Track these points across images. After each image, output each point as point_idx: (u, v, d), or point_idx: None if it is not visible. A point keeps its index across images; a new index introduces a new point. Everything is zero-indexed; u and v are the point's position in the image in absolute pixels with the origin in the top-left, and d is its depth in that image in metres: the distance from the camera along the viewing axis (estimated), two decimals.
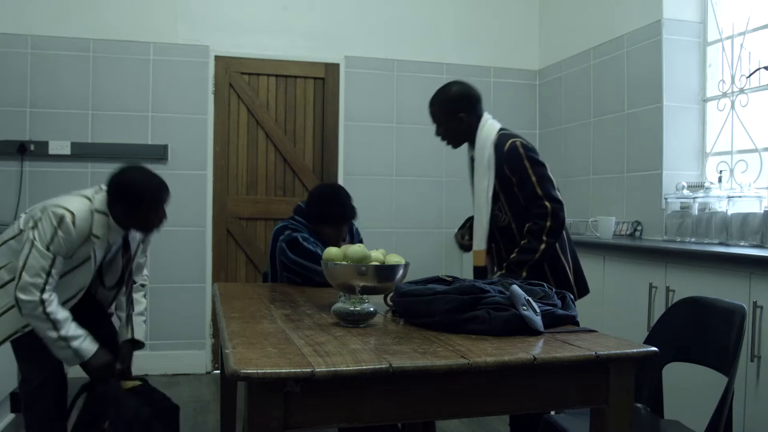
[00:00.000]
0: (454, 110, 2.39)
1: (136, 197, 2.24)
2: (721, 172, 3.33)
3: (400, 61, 4.62)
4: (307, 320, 1.77)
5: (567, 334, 1.61)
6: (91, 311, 2.45)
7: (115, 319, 2.59)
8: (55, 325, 2.14)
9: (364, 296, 1.71)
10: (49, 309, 2.13)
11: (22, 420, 2.43)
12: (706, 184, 3.36)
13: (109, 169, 4.06)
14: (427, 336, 1.55)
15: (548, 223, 2.22)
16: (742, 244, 2.98)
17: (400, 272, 1.86)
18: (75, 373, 2.45)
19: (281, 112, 4.51)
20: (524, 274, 2.20)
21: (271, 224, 4.46)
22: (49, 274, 2.13)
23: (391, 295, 1.88)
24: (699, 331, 1.94)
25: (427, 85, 4.67)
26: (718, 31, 3.53)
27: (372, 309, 1.68)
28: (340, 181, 4.47)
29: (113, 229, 2.29)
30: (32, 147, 3.99)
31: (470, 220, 2.54)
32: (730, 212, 3.11)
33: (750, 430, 2.37)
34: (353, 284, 1.78)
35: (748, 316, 2.09)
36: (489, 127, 2.38)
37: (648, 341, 1.97)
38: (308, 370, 1.22)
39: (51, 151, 4.02)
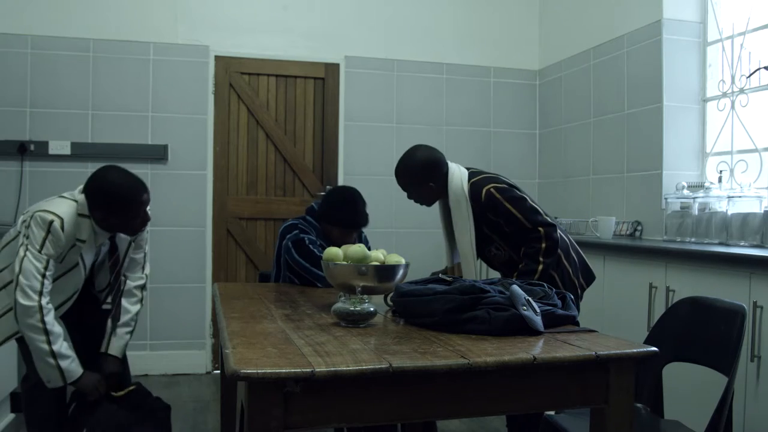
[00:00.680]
0: (423, 181, 2.41)
1: (112, 200, 2.18)
2: (721, 172, 3.33)
3: (400, 61, 4.62)
4: (307, 320, 1.77)
5: (567, 334, 1.61)
6: (90, 311, 2.45)
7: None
8: (49, 337, 2.10)
9: (364, 296, 1.71)
10: (46, 318, 2.09)
11: (23, 419, 2.44)
12: (706, 184, 3.36)
13: None
14: (427, 336, 1.55)
15: (543, 245, 2.26)
16: (742, 244, 2.98)
17: (400, 272, 1.86)
18: None
19: (281, 112, 4.51)
20: None
21: (271, 224, 4.46)
22: (44, 276, 2.11)
23: (391, 295, 1.88)
24: (699, 331, 1.94)
25: (427, 85, 4.74)
26: (718, 31, 3.53)
27: (372, 309, 1.68)
28: (340, 181, 4.47)
29: (98, 232, 2.25)
30: (32, 147, 3.99)
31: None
32: (730, 212, 3.11)
33: (750, 430, 2.37)
34: (353, 284, 1.78)
35: (748, 316, 2.09)
36: (458, 178, 2.39)
37: (648, 341, 1.97)
38: (308, 370, 1.22)
39: (51, 151, 4.02)
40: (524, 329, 1.57)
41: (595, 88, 4.19)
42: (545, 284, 1.85)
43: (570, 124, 4.47)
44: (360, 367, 1.26)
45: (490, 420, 3.30)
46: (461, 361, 1.31)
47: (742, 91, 3.33)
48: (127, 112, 4.16)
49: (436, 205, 2.59)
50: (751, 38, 3.32)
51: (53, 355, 2.11)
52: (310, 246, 2.55)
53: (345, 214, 2.62)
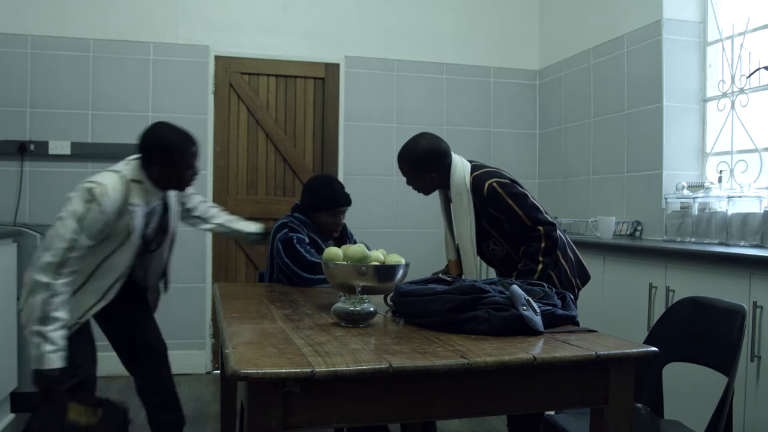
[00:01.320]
0: (425, 169, 2.40)
1: (168, 152, 2.24)
2: (721, 172, 3.33)
3: (400, 61, 4.62)
4: (307, 320, 1.77)
5: (567, 334, 1.61)
6: (137, 305, 2.48)
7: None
8: (45, 320, 2.02)
9: (364, 296, 1.71)
10: (54, 299, 2.03)
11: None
12: (706, 184, 3.36)
13: None
14: (427, 336, 1.55)
15: (543, 244, 2.25)
16: (742, 244, 2.98)
17: (400, 272, 1.86)
18: (105, 372, 2.48)
19: (281, 112, 4.51)
20: None
21: (271, 224, 4.44)
22: (64, 257, 2.05)
23: (391, 295, 1.88)
24: (699, 331, 1.94)
25: (427, 85, 4.73)
26: (718, 31, 3.52)
27: (372, 309, 1.68)
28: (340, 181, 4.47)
29: (151, 192, 2.28)
30: (32, 147, 3.99)
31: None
32: (730, 212, 3.11)
33: (750, 430, 2.37)
34: (353, 284, 1.78)
35: (748, 316, 2.09)
36: (460, 170, 2.37)
37: (648, 341, 1.97)
38: (308, 370, 1.22)
39: (51, 151, 4.02)
40: (524, 329, 1.56)
41: (595, 88, 4.19)
42: (545, 284, 1.85)
43: (570, 124, 4.47)
44: (360, 367, 1.26)
45: (490, 420, 3.30)
46: (461, 361, 1.31)
47: (742, 91, 3.33)
48: (127, 112, 4.16)
49: (437, 202, 2.59)
50: (751, 38, 3.32)
51: (40, 335, 2.03)
52: (298, 246, 2.56)
53: (325, 195, 2.64)
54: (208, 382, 4.08)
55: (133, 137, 4.11)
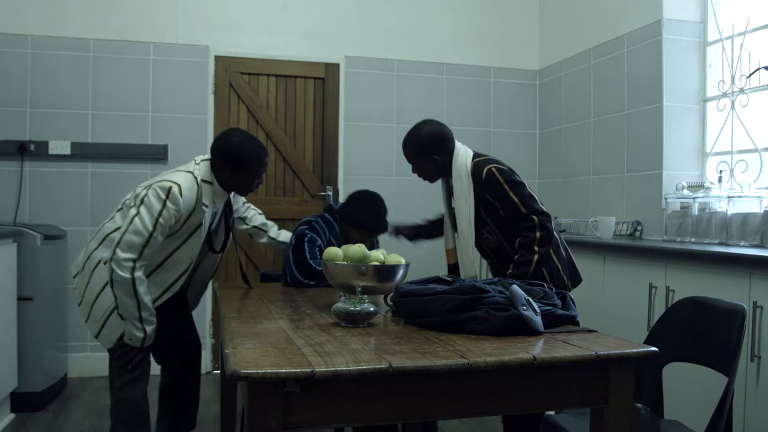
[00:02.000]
0: (429, 153, 2.42)
1: (243, 160, 2.33)
2: (721, 172, 3.33)
3: (400, 61, 4.62)
4: (307, 320, 1.77)
5: (567, 334, 1.61)
6: (177, 306, 2.52)
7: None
8: (140, 305, 2.20)
9: (364, 296, 1.71)
10: (139, 288, 2.18)
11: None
12: (706, 184, 3.36)
13: (109, 169, 4.13)
14: (427, 336, 1.55)
15: (537, 234, 2.25)
16: (742, 244, 2.98)
17: (400, 272, 1.86)
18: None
19: (281, 112, 4.51)
20: None
21: None
22: (141, 252, 2.18)
23: (391, 295, 1.88)
24: (699, 331, 1.94)
25: (427, 85, 4.73)
26: (718, 31, 3.53)
27: (372, 309, 1.68)
28: (340, 181, 4.48)
29: (218, 194, 2.38)
30: (32, 147, 3.99)
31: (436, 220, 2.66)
32: (730, 212, 3.11)
33: (750, 430, 2.37)
34: (353, 284, 1.78)
35: (748, 316, 2.10)
36: (462, 156, 2.40)
37: (648, 341, 1.97)
38: (308, 370, 1.22)
39: (51, 151, 4.02)
40: (524, 329, 1.57)
41: (595, 88, 4.19)
42: (545, 284, 1.85)
43: (570, 124, 4.47)
44: (360, 367, 1.26)
45: (490, 420, 3.30)
46: (461, 361, 1.31)
47: (742, 91, 3.33)
48: (127, 112, 4.16)
49: (438, 202, 2.59)
50: (751, 38, 3.32)
51: (141, 320, 2.23)
52: (306, 245, 2.57)
53: (368, 217, 2.64)
54: (209, 382, 4.08)
55: (133, 137, 4.16)
